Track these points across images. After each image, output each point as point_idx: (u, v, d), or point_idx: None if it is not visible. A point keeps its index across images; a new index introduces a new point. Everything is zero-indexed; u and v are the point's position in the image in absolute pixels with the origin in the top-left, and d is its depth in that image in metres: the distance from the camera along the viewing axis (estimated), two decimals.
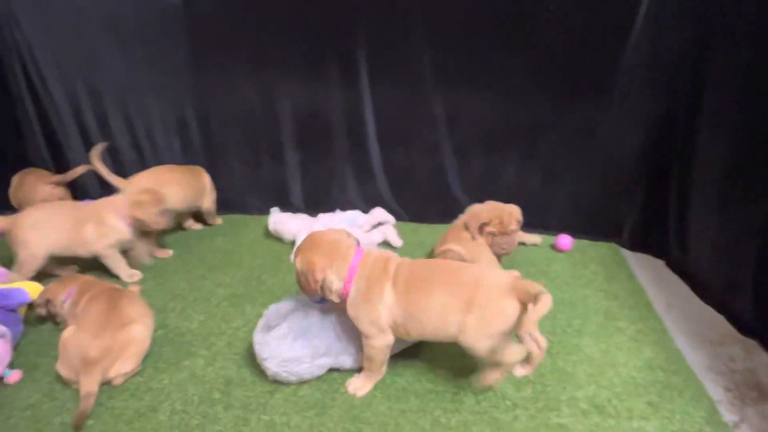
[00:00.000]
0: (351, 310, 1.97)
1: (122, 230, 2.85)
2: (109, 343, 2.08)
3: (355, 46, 3.12)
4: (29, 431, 1.93)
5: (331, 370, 2.15)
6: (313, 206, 3.53)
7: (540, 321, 1.72)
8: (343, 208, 3.40)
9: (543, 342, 1.97)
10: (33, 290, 2.53)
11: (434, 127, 3.25)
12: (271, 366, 2.03)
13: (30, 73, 3.63)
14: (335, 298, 1.97)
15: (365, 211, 3.39)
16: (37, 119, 3.75)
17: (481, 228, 2.67)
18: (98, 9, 3.33)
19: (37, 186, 3.37)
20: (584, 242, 3.17)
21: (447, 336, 1.91)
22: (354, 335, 2.09)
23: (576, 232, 3.16)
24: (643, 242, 3.06)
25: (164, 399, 2.06)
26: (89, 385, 1.99)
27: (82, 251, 2.81)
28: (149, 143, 3.75)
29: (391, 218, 3.38)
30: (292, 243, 3.24)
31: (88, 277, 2.48)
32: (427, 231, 3.37)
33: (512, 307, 1.82)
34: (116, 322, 2.16)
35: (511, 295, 1.82)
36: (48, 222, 2.73)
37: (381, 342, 1.96)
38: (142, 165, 3.76)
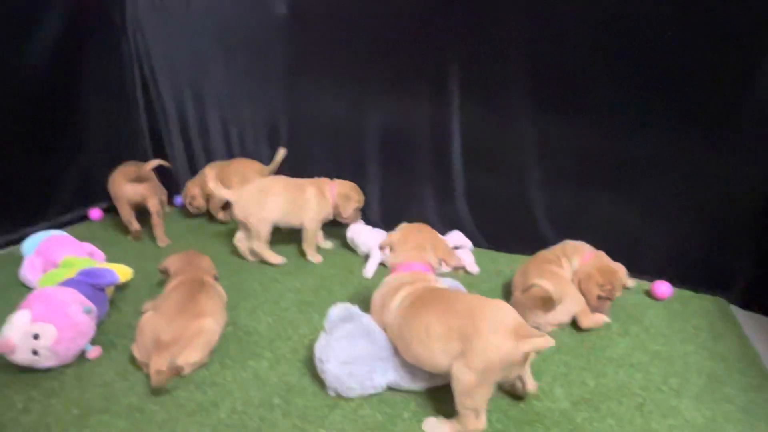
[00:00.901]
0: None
1: (329, 210, 3.22)
2: (181, 330, 2.13)
3: (448, 64, 3.08)
4: (100, 406, 1.99)
5: (394, 391, 2.04)
6: (390, 223, 3.46)
7: (629, 373, 1.50)
8: None
9: (531, 384, 1.88)
10: (122, 273, 2.67)
11: (523, 152, 3.10)
12: (331, 368, 1.96)
13: (146, 77, 3.95)
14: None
15: (442, 233, 3.27)
16: (146, 120, 4.06)
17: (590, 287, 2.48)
18: (212, 19, 3.58)
19: (121, 183, 3.45)
20: (685, 292, 2.84)
21: (433, 365, 1.85)
22: None
23: (675, 280, 2.83)
24: (758, 300, 2.68)
25: (226, 396, 2.05)
26: (158, 364, 2.03)
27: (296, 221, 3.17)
28: (240, 148, 3.92)
29: (468, 243, 3.24)
30: (366, 256, 3.19)
31: (192, 262, 2.60)
32: (505, 260, 3.20)
33: (507, 346, 1.69)
34: (190, 313, 2.20)
35: (508, 335, 1.70)
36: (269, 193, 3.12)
37: None
38: None
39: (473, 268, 3.04)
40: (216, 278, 2.63)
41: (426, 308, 1.89)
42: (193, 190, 3.77)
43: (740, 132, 2.55)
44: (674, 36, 2.55)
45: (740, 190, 2.64)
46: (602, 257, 2.57)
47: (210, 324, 2.23)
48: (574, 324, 2.47)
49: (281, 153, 3.62)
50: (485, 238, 3.35)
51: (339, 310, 2.09)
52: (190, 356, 2.13)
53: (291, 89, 3.57)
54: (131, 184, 3.41)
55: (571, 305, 2.42)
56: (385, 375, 2.01)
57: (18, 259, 2.96)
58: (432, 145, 3.34)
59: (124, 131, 4.06)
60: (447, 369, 1.79)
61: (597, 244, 2.64)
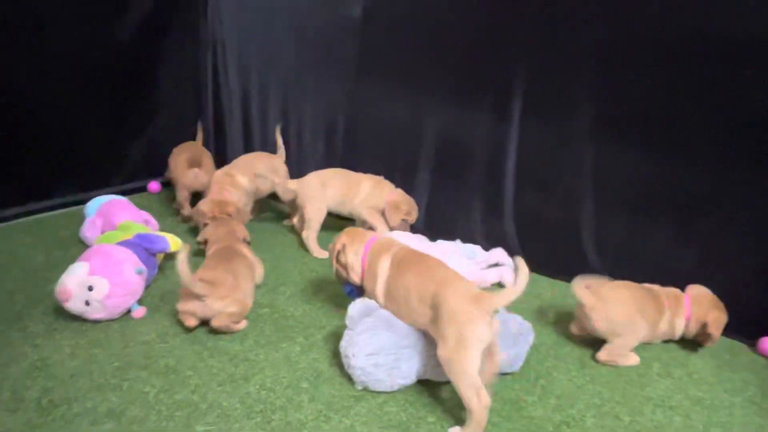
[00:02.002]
0: (365, 284, 2.23)
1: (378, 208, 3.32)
2: (219, 280, 2.28)
3: (513, 79, 3.06)
4: (139, 363, 2.08)
5: (422, 391, 2.03)
6: (433, 231, 3.47)
7: (668, 415, 1.41)
8: (464, 240, 3.29)
9: (485, 398, 1.81)
10: (174, 243, 2.79)
11: (578, 177, 3.03)
12: (357, 363, 1.98)
13: (217, 62, 4.14)
14: (356, 278, 2.25)
15: (485, 248, 3.24)
16: (212, 104, 4.24)
17: None
18: (289, 13, 3.72)
19: (184, 169, 3.56)
20: (736, 343, 2.68)
21: (421, 324, 2.01)
22: None
23: (728, 328, 2.68)
24: None
25: (257, 372, 2.10)
26: (215, 305, 2.22)
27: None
28: (296, 142, 4.02)
29: (510, 261, 3.19)
30: None
31: (231, 231, 2.81)
32: (546, 284, 3.12)
33: (477, 315, 1.82)
34: (225, 271, 2.36)
35: (470, 299, 1.85)
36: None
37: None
38: (287, 161, 4.05)
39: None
40: (248, 242, 2.86)
41: (410, 270, 2.07)
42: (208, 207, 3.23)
43: None
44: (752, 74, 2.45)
45: None
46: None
47: (243, 285, 2.38)
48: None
49: (279, 133, 3.75)
50: (528, 259, 3.24)
51: (359, 305, 2.12)
52: (227, 307, 2.23)
53: (354, 89, 3.65)
54: (192, 171, 3.56)
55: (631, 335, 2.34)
56: (411, 361, 2.01)
57: (81, 219, 3.15)
58: (486, 159, 3.32)
59: (191, 112, 4.25)
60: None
61: (646, 280, 2.54)
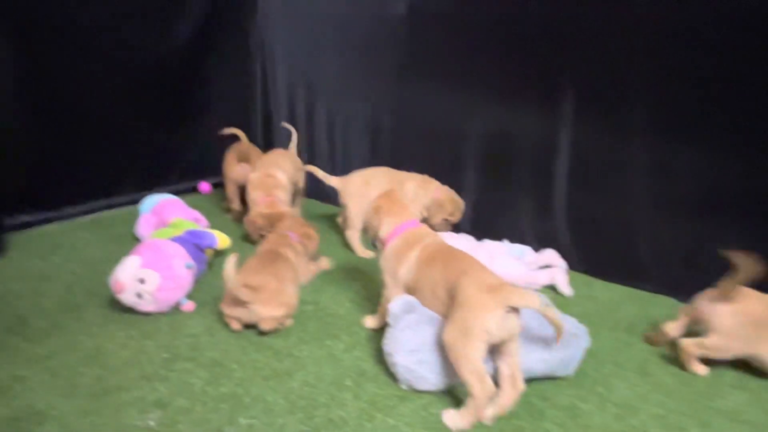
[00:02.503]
0: (382, 261, 2.23)
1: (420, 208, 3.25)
2: (263, 286, 2.27)
3: (562, 73, 2.94)
4: (186, 355, 2.11)
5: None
6: (480, 231, 3.36)
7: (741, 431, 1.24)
8: (512, 241, 3.17)
9: (520, 383, 1.81)
10: (222, 240, 2.83)
11: (636, 174, 2.85)
12: (400, 360, 1.92)
13: (266, 65, 4.23)
14: (379, 243, 2.28)
15: (536, 249, 3.11)
16: (261, 107, 4.33)
17: None
18: (334, 13, 3.76)
19: (232, 163, 3.69)
20: None
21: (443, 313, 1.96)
22: None
23: None
24: None
25: (301, 368, 2.07)
26: (261, 311, 2.22)
27: None
28: (342, 141, 4.04)
29: (562, 263, 3.04)
30: None
31: (283, 235, 2.78)
32: (601, 287, 2.95)
33: (483, 298, 1.76)
34: (269, 273, 2.38)
35: (485, 289, 1.78)
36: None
37: (392, 293, 2.15)
38: (331, 160, 4.07)
39: (566, 288, 2.84)
40: (310, 239, 2.86)
41: (436, 262, 2.04)
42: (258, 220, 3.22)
43: None
44: None
45: None
46: None
47: (287, 288, 2.37)
48: (683, 368, 2.21)
49: (294, 135, 3.76)
50: (581, 260, 3.12)
51: (400, 303, 2.04)
52: (273, 311, 2.23)
53: (399, 88, 3.62)
54: (241, 165, 3.63)
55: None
56: None
57: (136, 217, 3.27)
58: (535, 158, 3.20)
59: (240, 115, 4.35)
60: None
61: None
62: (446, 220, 3.26)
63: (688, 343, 2.16)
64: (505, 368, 1.83)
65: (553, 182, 3.17)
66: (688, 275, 2.75)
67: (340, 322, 2.43)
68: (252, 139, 4.26)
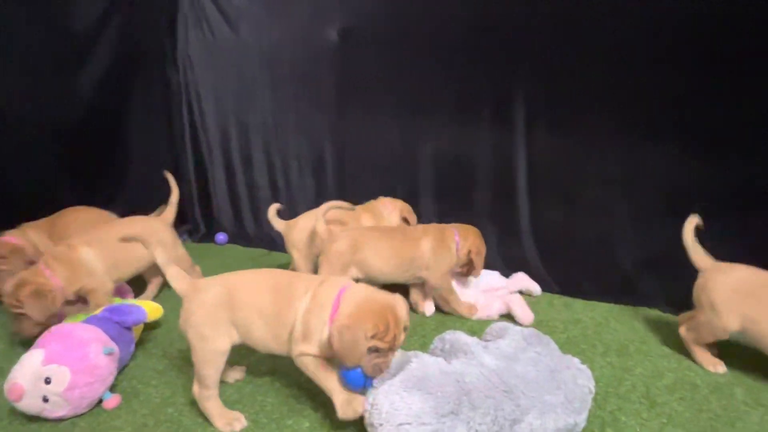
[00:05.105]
0: None
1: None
2: None
3: (513, 85, 2.80)
4: None
5: None
6: None
7: None
8: None
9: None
10: (152, 311, 2.41)
11: (606, 185, 2.72)
12: None
13: (192, 108, 3.87)
14: None
15: (505, 274, 2.88)
16: (192, 149, 3.93)
17: None
18: (260, 48, 3.49)
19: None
20: None
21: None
22: (490, 392, 1.63)
23: None
24: None
25: None
26: None
27: None
28: (284, 181, 3.72)
29: (536, 287, 2.83)
30: None
31: None
32: (582, 307, 2.74)
33: None
34: None
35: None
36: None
37: None
38: (276, 201, 3.73)
39: (524, 317, 2.54)
40: None
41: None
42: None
43: None
44: None
45: None
46: None
47: None
48: (690, 390, 2.00)
49: (174, 193, 2.98)
50: (556, 281, 2.92)
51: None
52: None
53: (339, 118, 3.39)
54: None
55: None
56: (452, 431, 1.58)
57: None
58: (494, 177, 3.02)
59: (171, 162, 3.94)
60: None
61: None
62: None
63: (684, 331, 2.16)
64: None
65: (515, 202, 3.00)
66: (669, 284, 2.61)
67: (304, 393, 2.05)
68: (184, 186, 3.86)
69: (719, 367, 2.12)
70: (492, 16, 2.77)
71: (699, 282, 2.15)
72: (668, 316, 2.56)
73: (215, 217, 3.90)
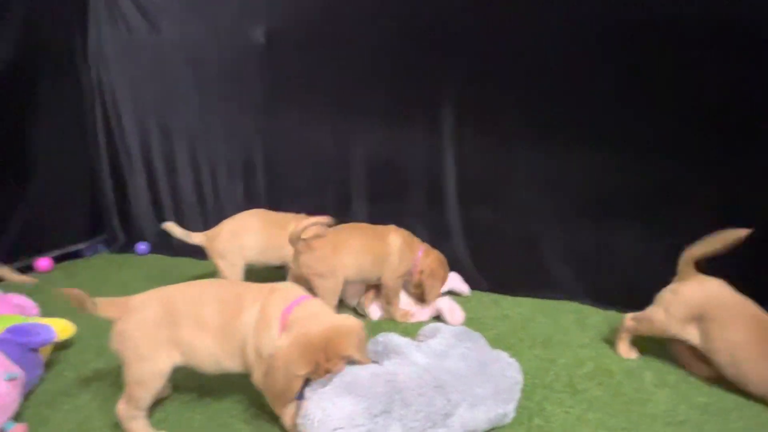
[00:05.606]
0: None
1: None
2: None
3: (441, 89, 2.87)
4: None
5: None
6: None
7: None
8: None
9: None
10: (62, 329, 2.22)
11: (530, 185, 2.84)
12: None
13: (108, 110, 3.63)
14: None
15: None
16: (108, 154, 3.68)
17: None
18: (182, 46, 3.33)
19: None
20: None
21: None
22: (421, 389, 1.64)
23: None
24: None
25: None
26: None
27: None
28: (210, 186, 3.57)
29: (465, 288, 2.91)
30: None
31: None
32: (510, 304, 2.85)
33: None
34: None
35: None
36: None
37: None
38: (201, 210, 3.58)
39: (453, 318, 2.60)
40: None
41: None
42: None
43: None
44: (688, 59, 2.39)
45: None
46: None
47: None
48: (607, 376, 2.14)
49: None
50: (486, 280, 3.02)
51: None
52: None
53: (268, 121, 3.31)
54: None
55: None
56: (386, 430, 1.58)
57: None
58: (424, 179, 3.07)
59: (83, 170, 3.66)
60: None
61: (621, 285, 2.33)
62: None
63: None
64: None
65: (445, 204, 3.06)
66: (589, 278, 2.78)
67: (234, 406, 1.96)
68: (100, 196, 3.62)
69: (632, 354, 2.28)
70: (421, 20, 2.82)
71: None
72: (587, 308, 2.72)
73: (135, 225, 3.67)
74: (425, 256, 2.66)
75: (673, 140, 2.49)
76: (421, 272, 2.62)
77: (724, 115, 2.39)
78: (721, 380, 2.03)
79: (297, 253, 2.46)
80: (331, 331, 1.65)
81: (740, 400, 1.98)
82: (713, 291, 2.07)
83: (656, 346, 2.31)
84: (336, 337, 1.64)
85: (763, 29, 2.25)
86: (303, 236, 2.39)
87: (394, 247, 2.60)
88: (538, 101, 2.70)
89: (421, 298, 2.67)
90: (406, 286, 2.72)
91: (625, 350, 2.29)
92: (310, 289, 2.46)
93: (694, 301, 2.07)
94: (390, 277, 2.61)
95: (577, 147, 2.66)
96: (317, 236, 2.45)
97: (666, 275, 2.23)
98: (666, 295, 2.15)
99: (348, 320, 1.73)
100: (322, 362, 1.61)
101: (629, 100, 2.53)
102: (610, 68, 2.53)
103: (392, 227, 2.68)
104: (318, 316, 1.70)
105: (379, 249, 2.57)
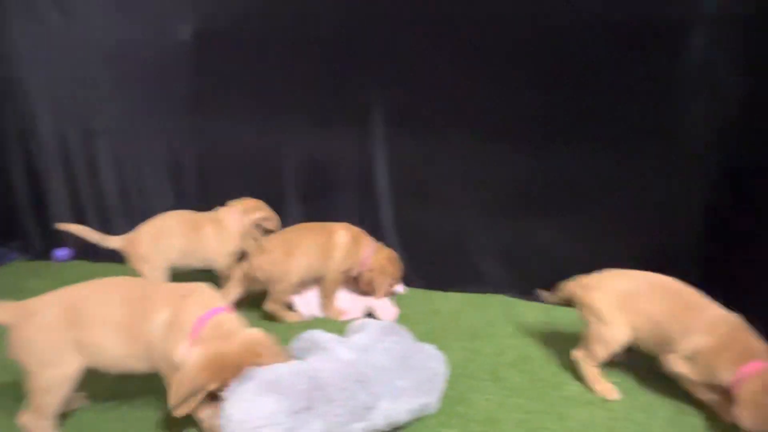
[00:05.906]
0: None
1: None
2: None
3: (371, 90, 2.91)
4: None
5: None
6: None
7: (591, 411, 1.22)
8: None
9: None
10: None
11: (455, 183, 2.94)
12: None
13: (22, 112, 3.39)
14: None
15: None
16: (23, 156, 3.44)
17: None
18: (102, 43, 3.17)
19: None
20: None
21: None
22: (344, 383, 1.66)
23: None
24: None
25: None
26: None
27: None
28: (137, 189, 3.42)
29: (400, 287, 2.96)
30: None
31: None
32: (441, 299, 2.92)
33: None
34: None
35: None
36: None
37: None
38: (127, 212, 3.42)
39: (385, 314, 2.64)
40: None
41: None
42: None
43: (676, 145, 2.55)
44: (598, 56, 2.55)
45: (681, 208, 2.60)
46: None
47: None
48: (525, 363, 2.23)
49: None
50: (418, 276, 3.08)
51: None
52: None
53: (197, 121, 3.20)
54: None
55: None
56: (310, 426, 1.57)
57: None
58: (357, 178, 3.09)
59: None
60: None
61: (544, 276, 2.41)
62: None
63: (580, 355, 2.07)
64: None
65: (378, 203, 3.10)
66: (514, 271, 2.90)
67: (151, 415, 1.89)
68: (17, 201, 3.38)
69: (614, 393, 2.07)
70: (351, 20, 2.84)
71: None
72: (514, 300, 2.84)
73: (54, 230, 3.45)
74: (376, 254, 2.71)
75: (590, 136, 2.65)
76: (371, 270, 2.66)
77: (636, 110, 2.57)
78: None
79: (249, 256, 2.48)
80: (243, 349, 1.63)
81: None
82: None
83: (576, 332, 2.44)
84: (249, 356, 1.62)
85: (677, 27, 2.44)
86: (255, 237, 2.42)
87: (341, 243, 2.66)
88: (462, 101, 2.79)
89: (370, 294, 2.73)
90: (353, 283, 2.77)
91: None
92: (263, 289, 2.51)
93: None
94: (331, 270, 2.63)
95: (499, 144, 2.78)
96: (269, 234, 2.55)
97: (587, 264, 2.31)
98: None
99: (257, 335, 1.70)
100: (231, 378, 1.59)
101: (548, 98, 2.66)
102: (530, 67, 2.65)
103: (344, 224, 2.75)
104: (231, 334, 1.66)
105: (325, 245, 2.62)
